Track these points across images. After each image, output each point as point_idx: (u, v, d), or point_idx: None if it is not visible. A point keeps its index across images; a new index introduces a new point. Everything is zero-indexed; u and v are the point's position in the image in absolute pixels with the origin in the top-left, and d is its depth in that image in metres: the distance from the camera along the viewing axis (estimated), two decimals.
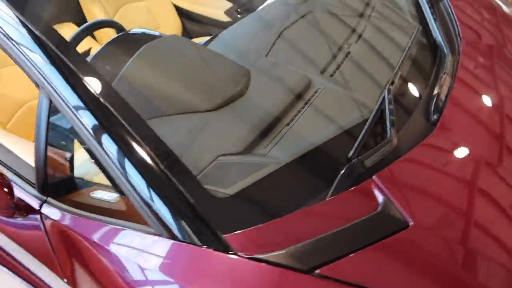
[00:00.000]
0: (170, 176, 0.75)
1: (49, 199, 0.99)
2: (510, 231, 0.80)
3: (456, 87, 1.01)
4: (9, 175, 1.05)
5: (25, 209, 0.99)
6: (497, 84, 1.06)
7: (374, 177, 0.80)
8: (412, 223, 0.75)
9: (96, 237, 0.87)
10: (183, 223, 0.74)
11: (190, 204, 0.74)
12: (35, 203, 1.00)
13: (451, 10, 1.35)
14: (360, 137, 0.85)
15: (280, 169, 0.83)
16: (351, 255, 0.70)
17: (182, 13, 2.13)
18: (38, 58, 0.86)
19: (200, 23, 2.11)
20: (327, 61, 1.07)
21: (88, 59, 1.14)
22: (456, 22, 1.29)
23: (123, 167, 0.78)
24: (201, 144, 0.91)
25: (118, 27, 1.39)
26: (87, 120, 0.81)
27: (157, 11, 2.08)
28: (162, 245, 0.76)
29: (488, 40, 1.24)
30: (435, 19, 1.24)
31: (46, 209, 0.98)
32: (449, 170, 0.88)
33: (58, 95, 0.84)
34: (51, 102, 0.88)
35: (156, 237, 0.77)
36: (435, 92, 0.99)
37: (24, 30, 0.88)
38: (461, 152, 0.91)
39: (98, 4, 1.86)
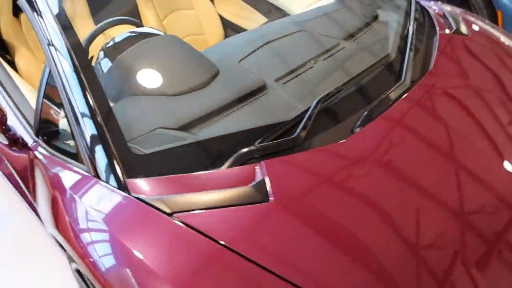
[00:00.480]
0: (105, 130, 1.02)
1: (39, 141, 1.32)
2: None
3: (389, 112, 1.12)
4: (18, 115, 1.46)
5: (21, 144, 1.35)
6: (434, 126, 1.12)
7: (262, 162, 0.97)
8: (272, 199, 0.92)
9: (54, 170, 1.19)
10: (102, 165, 1.00)
11: (112, 153, 1.00)
12: (29, 141, 1.36)
13: (436, 41, 1.43)
14: (274, 131, 1.04)
15: (194, 144, 1.05)
16: (211, 210, 0.90)
17: (225, 23, 2.41)
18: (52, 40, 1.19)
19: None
20: (286, 72, 1.25)
21: (104, 46, 1.46)
22: (435, 53, 1.37)
23: (76, 118, 1.07)
24: (154, 118, 1.15)
25: (135, 24, 1.70)
26: (66, 82, 1.11)
27: (203, 20, 2.37)
28: (88, 181, 1.06)
29: (459, 81, 1.31)
30: (411, 48, 1.33)
31: (35, 148, 1.33)
32: (329, 175, 1.00)
33: (55, 64, 1.15)
34: (50, 69, 1.19)
35: (87, 175, 1.07)
36: (364, 110, 1.11)
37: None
38: (352, 164, 1.01)
39: (152, 9, 2.20)
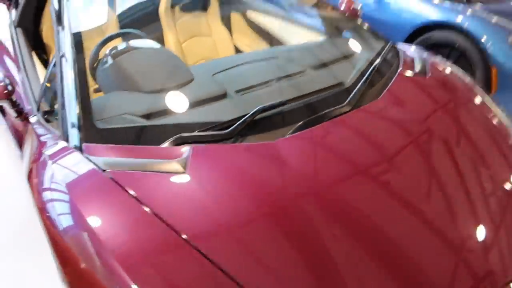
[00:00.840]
0: (78, 109, 1.34)
1: (38, 114, 1.66)
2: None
3: (320, 127, 1.33)
4: (29, 95, 1.81)
5: (24, 116, 1.72)
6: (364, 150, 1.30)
7: (192, 145, 1.23)
8: (187, 172, 1.16)
9: (42, 139, 1.49)
10: (70, 131, 1.33)
11: (79, 125, 1.31)
12: (30, 114, 1.72)
13: (394, 78, 1.63)
14: (214, 127, 1.30)
15: (148, 127, 1.34)
16: (140, 172, 1.16)
17: (238, 52, 2.71)
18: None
19: None
20: (246, 87, 1.52)
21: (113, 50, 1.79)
22: (388, 87, 1.57)
23: (63, 98, 1.39)
24: (127, 107, 1.43)
25: (138, 36, 2.02)
26: (63, 72, 1.45)
27: (220, 47, 2.68)
28: (59, 145, 1.35)
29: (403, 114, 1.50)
30: (365, 80, 1.54)
31: (32, 120, 1.68)
32: (240, 164, 1.22)
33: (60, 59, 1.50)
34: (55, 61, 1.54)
35: (60, 140, 1.35)
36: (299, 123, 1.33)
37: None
38: (265, 161, 1.24)
39: (174, 33, 2.54)
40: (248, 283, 0.96)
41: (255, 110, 1.31)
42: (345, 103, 1.41)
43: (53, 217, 1.15)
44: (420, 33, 2.98)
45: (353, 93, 1.45)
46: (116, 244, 1.01)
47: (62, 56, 1.49)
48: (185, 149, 1.22)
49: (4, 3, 2.60)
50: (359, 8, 2.24)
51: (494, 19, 2.74)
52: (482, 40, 2.64)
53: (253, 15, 2.66)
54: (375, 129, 1.38)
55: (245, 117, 1.29)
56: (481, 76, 2.65)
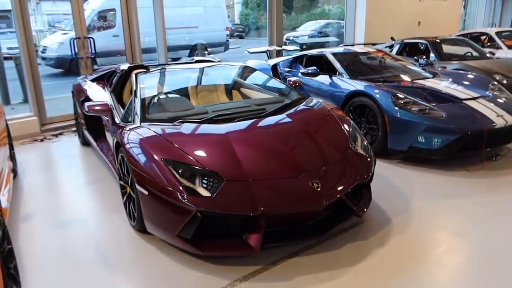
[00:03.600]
0: (139, 109, 3.33)
1: (121, 122, 3.46)
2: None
3: (253, 122, 3.09)
4: (119, 113, 3.65)
5: (114, 121, 3.58)
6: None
7: (187, 123, 3.01)
8: (180, 129, 2.98)
9: (125, 128, 3.14)
10: (136, 118, 3.30)
11: (140, 116, 3.28)
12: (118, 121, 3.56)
13: (296, 108, 3.39)
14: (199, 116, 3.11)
15: (167, 119, 3.13)
16: (159, 125, 3.00)
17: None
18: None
19: None
20: (218, 109, 3.31)
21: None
22: (291, 111, 3.34)
23: (134, 111, 3.31)
24: (159, 115, 3.27)
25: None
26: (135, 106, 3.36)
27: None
28: (132, 124, 3.25)
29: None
30: (280, 106, 3.34)
31: (119, 122, 3.49)
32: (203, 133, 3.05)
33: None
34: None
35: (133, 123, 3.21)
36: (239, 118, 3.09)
37: None
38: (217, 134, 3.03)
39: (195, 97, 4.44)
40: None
41: (216, 114, 3.10)
42: (263, 113, 3.17)
43: (131, 153, 2.86)
44: (351, 98, 4.74)
45: (268, 110, 3.21)
46: (160, 156, 2.68)
47: (136, 97, 3.39)
48: (184, 124, 2.99)
49: (104, 84, 4.68)
50: (299, 83, 4.17)
51: (384, 87, 4.48)
52: (378, 99, 4.33)
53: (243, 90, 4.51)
54: (275, 123, 3.11)
55: (210, 116, 3.08)
56: (381, 121, 4.28)
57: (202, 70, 4.48)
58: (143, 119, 3.20)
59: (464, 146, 4.01)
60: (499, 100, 4.48)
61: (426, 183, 3.84)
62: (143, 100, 3.42)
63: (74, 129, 5.82)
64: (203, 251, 2.47)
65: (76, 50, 6.19)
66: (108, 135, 3.99)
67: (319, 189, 2.56)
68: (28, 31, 5.62)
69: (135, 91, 3.55)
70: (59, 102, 7.43)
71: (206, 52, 14.21)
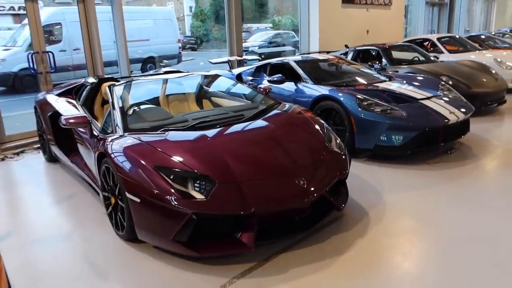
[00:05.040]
0: (120, 117, 3.34)
1: (100, 134, 3.44)
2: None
3: (231, 127, 3.22)
4: (96, 127, 3.62)
5: (94, 136, 3.54)
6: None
7: (171, 131, 3.08)
8: (166, 136, 3.05)
9: (106, 141, 3.21)
10: (118, 129, 3.34)
11: (122, 127, 3.30)
12: (97, 133, 3.55)
13: (273, 112, 3.58)
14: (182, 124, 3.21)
15: (147, 129, 3.19)
16: (144, 133, 3.02)
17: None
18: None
19: None
20: (192, 112, 3.43)
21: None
22: (268, 115, 3.51)
23: (116, 123, 3.29)
24: (138, 124, 3.32)
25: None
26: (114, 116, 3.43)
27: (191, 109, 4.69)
28: (114, 135, 3.18)
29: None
30: (257, 112, 3.49)
31: (97, 135, 3.50)
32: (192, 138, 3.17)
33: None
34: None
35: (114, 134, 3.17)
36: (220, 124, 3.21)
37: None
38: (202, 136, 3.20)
39: (166, 105, 4.51)
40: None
41: (198, 121, 3.21)
42: (242, 119, 3.30)
43: (119, 163, 2.88)
44: (317, 102, 4.98)
45: (246, 116, 3.36)
46: (151, 163, 2.74)
47: (114, 109, 3.42)
48: (169, 131, 3.07)
49: (72, 98, 4.61)
50: (269, 89, 4.35)
51: (347, 90, 4.79)
52: (344, 102, 4.61)
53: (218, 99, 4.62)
54: (256, 127, 3.26)
55: (193, 124, 3.18)
56: (348, 122, 4.55)
57: (177, 81, 4.56)
58: (126, 129, 3.24)
59: (423, 142, 4.36)
60: (449, 98, 4.92)
61: (393, 177, 4.14)
62: (122, 111, 3.46)
63: (37, 146, 5.64)
64: (199, 253, 2.55)
65: (35, 66, 6.02)
66: (82, 149, 3.95)
67: (305, 186, 2.73)
68: None
69: (113, 103, 3.57)
70: (15, 120, 7.14)
71: (162, 64, 14.15)
